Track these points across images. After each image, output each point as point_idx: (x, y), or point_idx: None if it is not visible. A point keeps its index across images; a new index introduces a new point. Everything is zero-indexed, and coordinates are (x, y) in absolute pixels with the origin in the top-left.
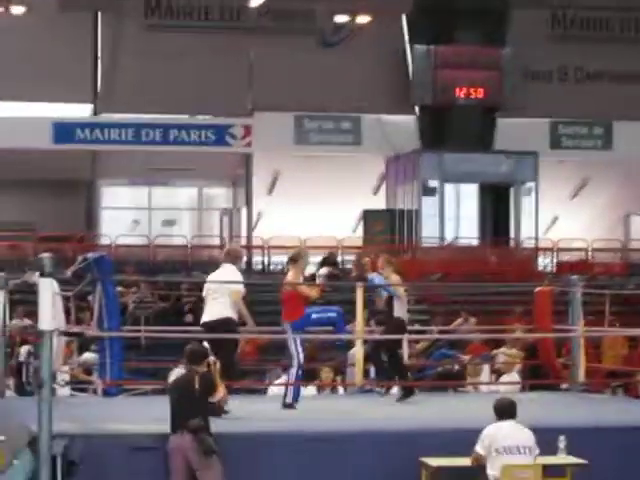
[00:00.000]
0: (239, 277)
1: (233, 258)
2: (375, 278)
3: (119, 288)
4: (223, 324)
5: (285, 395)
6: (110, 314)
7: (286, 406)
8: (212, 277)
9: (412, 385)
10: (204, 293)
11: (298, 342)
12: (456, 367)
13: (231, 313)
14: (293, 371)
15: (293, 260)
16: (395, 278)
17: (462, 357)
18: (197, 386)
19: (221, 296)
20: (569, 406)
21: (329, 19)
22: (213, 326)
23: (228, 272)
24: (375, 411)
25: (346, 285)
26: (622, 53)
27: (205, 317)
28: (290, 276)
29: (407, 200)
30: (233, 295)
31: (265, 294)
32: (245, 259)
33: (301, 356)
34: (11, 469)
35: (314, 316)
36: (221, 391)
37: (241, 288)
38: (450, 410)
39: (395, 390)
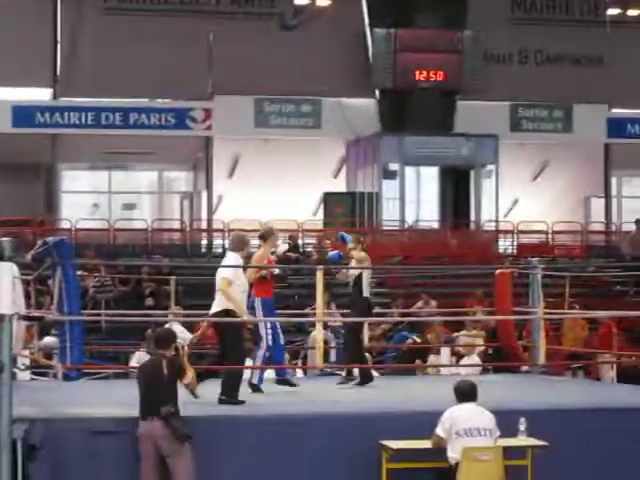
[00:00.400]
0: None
1: (236, 244)
2: (335, 254)
3: (79, 272)
4: (218, 316)
5: (250, 377)
6: (70, 298)
7: (252, 388)
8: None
9: (370, 368)
10: None
11: (268, 324)
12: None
13: (224, 305)
14: (260, 353)
15: (262, 238)
16: (363, 255)
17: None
18: (165, 371)
19: (218, 287)
20: (529, 388)
21: (289, 2)
22: (214, 320)
23: (227, 261)
24: (335, 394)
25: (307, 268)
26: (582, 36)
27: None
28: (258, 253)
29: (367, 183)
30: (220, 284)
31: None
32: (205, 242)
33: (269, 337)
34: None
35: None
36: (189, 375)
37: (227, 275)
38: (410, 393)
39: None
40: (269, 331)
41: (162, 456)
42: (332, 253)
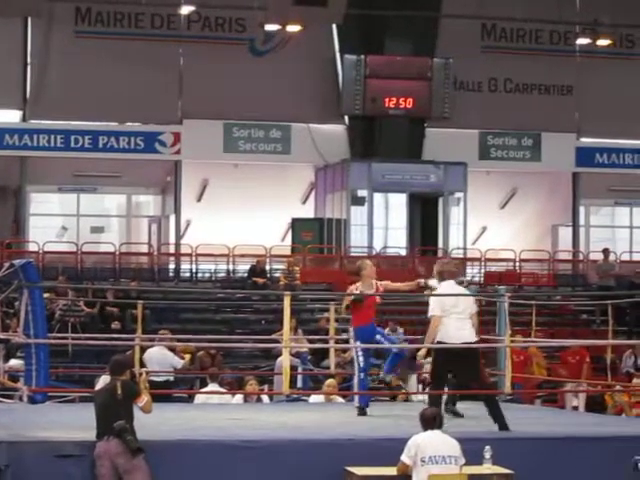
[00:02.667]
0: None
1: None
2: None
3: (47, 295)
4: None
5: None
6: (36, 321)
7: (360, 411)
8: None
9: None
10: None
11: (359, 350)
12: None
13: None
14: (355, 378)
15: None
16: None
17: None
18: (120, 391)
19: None
20: None
21: (260, 28)
22: None
23: None
24: (301, 419)
25: (274, 294)
26: (552, 65)
27: None
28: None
29: (336, 209)
30: None
31: (193, 302)
32: (173, 266)
33: (361, 361)
34: None
35: (378, 337)
36: (145, 398)
37: None
38: (376, 419)
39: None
40: (359, 356)
41: (119, 475)
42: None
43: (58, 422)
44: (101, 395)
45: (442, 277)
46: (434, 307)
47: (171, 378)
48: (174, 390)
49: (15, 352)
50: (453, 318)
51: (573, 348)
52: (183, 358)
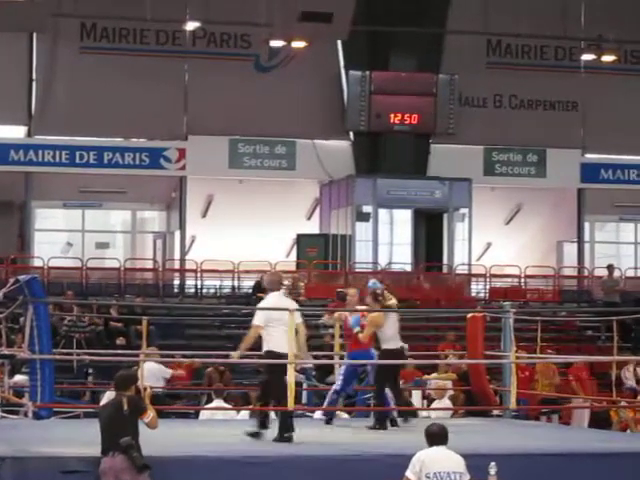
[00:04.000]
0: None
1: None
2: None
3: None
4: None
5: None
6: (41, 336)
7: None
8: None
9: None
10: None
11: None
12: None
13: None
14: (330, 393)
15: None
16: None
17: None
18: (126, 407)
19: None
20: (500, 432)
21: (265, 44)
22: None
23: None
24: (307, 436)
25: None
26: (556, 81)
27: None
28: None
29: (341, 225)
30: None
31: (198, 318)
32: (178, 282)
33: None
34: None
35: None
36: (150, 414)
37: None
38: (381, 435)
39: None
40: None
41: None
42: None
43: (63, 438)
44: (106, 410)
45: (279, 288)
46: (259, 317)
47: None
48: (179, 406)
49: (20, 368)
50: (280, 330)
51: (577, 364)
52: (173, 368)
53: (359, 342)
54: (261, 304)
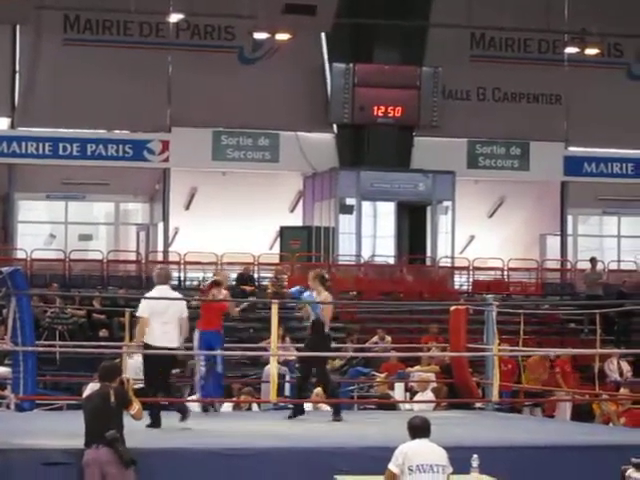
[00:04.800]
0: None
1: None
2: (306, 294)
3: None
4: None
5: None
6: (24, 328)
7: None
8: None
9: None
10: None
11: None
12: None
13: None
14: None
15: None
16: (325, 295)
17: (377, 375)
18: (112, 399)
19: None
20: (482, 425)
21: (248, 36)
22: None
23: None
24: (289, 428)
25: (262, 301)
26: (540, 74)
27: None
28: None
29: (324, 217)
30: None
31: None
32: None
33: (202, 370)
34: None
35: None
36: (136, 406)
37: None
38: (364, 428)
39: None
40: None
41: None
42: (294, 289)
43: (45, 430)
44: (92, 401)
45: (166, 281)
46: (143, 308)
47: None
48: (165, 398)
49: (3, 360)
50: (159, 322)
51: (562, 358)
52: None
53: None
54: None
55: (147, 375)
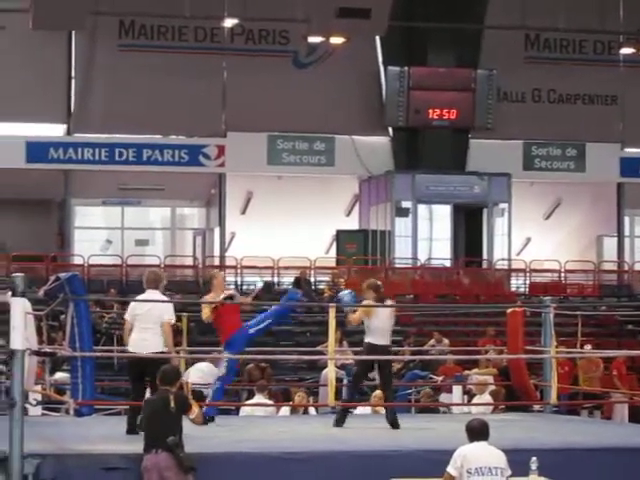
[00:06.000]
0: None
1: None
2: (345, 296)
3: (92, 307)
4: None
5: None
6: (82, 334)
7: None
8: None
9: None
10: None
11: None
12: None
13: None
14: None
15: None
16: (367, 302)
17: (435, 378)
18: (172, 404)
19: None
20: (541, 427)
21: (303, 40)
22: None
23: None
24: (346, 432)
25: (318, 305)
26: (595, 75)
27: None
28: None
29: (380, 221)
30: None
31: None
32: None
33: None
34: None
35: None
36: (196, 410)
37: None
38: (422, 431)
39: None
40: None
41: None
42: (343, 292)
43: (104, 435)
44: (152, 407)
45: (155, 286)
46: (127, 311)
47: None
48: (221, 402)
49: (61, 365)
50: (138, 328)
51: (618, 359)
52: None
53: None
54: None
55: (131, 380)
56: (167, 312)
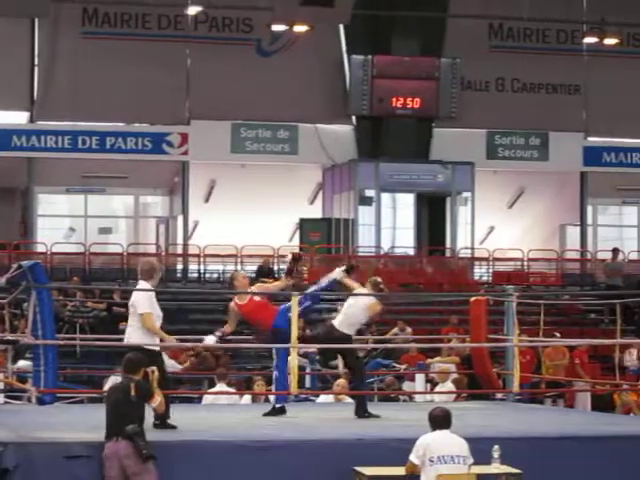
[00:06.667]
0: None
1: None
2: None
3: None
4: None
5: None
6: (45, 322)
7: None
8: None
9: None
10: None
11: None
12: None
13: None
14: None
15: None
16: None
17: (398, 367)
18: (133, 392)
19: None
20: (503, 416)
21: (267, 28)
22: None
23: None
24: (309, 420)
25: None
26: (559, 64)
27: None
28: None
29: (344, 209)
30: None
31: (201, 303)
32: (181, 267)
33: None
34: None
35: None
36: (158, 399)
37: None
38: (385, 419)
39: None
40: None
41: (127, 476)
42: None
43: (66, 423)
44: (114, 394)
45: (148, 277)
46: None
47: None
48: (183, 391)
49: (24, 353)
50: (130, 320)
51: (580, 348)
52: (179, 357)
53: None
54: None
55: None
56: (141, 304)
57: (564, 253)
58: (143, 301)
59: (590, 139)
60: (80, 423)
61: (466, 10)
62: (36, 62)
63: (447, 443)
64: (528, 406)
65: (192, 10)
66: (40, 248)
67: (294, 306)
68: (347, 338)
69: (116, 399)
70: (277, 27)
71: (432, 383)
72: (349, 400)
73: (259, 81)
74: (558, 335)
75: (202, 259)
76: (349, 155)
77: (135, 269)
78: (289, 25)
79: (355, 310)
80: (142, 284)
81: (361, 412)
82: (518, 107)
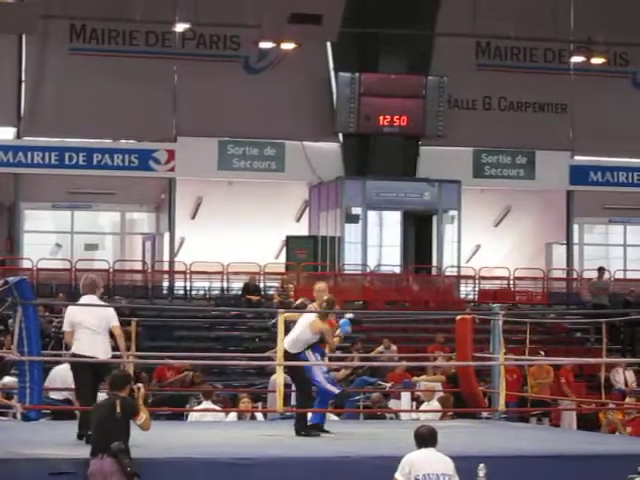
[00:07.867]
0: None
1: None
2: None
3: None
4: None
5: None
6: (30, 338)
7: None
8: None
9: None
10: None
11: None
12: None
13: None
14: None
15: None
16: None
17: (383, 384)
18: (118, 409)
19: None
20: (489, 434)
21: (254, 45)
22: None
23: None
24: (295, 438)
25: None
26: (546, 83)
27: None
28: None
29: (330, 227)
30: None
31: (187, 320)
32: (167, 284)
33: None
34: None
35: None
36: (144, 416)
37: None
38: (370, 437)
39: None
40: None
41: None
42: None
43: (52, 440)
44: (99, 411)
45: (91, 291)
46: (64, 324)
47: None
48: (171, 408)
49: (9, 369)
50: (87, 332)
51: (566, 367)
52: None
53: None
54: (69, 308)
55: (77, 385)
56: (113, 317)
57: (550, 272)
58: (114, 314)
59: (577, 158)
60: (65, 440)
61: (453, 28)
62: (23, 78)
63: (432, 461)
64: (514, 425)
65: (180, 27)
66: (26, 264)
67: (280, 324)
68: (292, 357)
69: (101, 416)
70: (264, 44)
71: (418, 401)
72: (334, 417)
73: (246, 98)
74: (542, 354)
75: (188, 276)
76: (336, 173)
77: (121, 286)
78: (276, 42)
79: (299, 328)
80: (91, 298)
81: (298, 429)
82: (505, 125)
